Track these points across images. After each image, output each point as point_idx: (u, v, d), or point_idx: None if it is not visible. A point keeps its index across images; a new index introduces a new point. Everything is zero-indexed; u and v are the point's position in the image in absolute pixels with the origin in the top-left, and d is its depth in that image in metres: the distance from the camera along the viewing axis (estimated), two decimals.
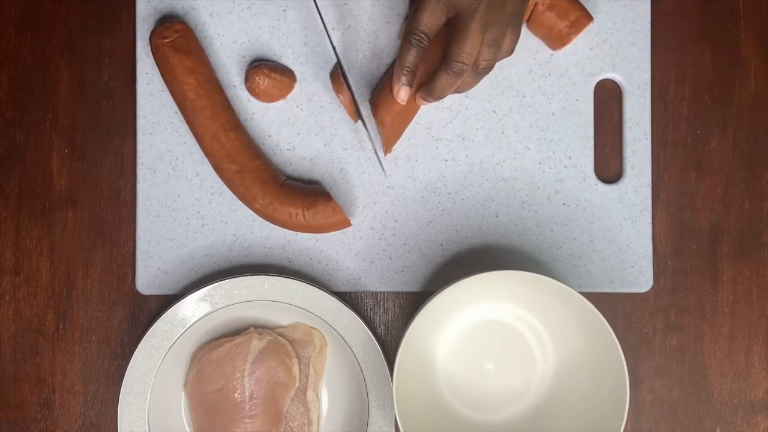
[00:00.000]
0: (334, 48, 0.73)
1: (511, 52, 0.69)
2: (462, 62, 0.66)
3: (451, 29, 0.66)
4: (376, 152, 0.74)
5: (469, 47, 0.65)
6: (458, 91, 0.70)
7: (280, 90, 0.75)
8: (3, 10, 0.77)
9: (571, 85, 0.77)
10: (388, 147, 0.73)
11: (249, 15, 0.76)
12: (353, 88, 0.72)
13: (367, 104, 0.75)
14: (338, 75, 0.73)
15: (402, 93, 0.69)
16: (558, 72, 0.77)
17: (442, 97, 0.70)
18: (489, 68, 0.68)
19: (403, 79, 0.68)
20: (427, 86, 0.69)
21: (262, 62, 0.75)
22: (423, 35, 0.66)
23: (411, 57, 0.67)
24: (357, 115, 0.74)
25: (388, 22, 0.76)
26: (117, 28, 0.77)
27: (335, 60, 0.75)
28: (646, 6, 0.77)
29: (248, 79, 0.74)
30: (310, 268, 0.77)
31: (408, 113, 0.73)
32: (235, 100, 0.76)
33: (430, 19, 0.65)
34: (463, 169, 0.77)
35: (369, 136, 0.74)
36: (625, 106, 0.77)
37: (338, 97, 0.75)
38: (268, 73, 0.74)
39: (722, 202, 0.78)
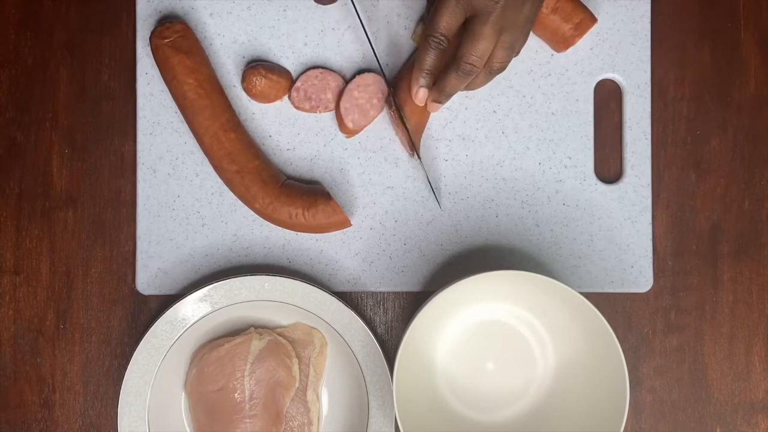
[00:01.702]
0: (384, 76, 0.73)
1: (519, 52, 0.69)
2: (471, 64, 0.66)
3: (466, 29, 0.66)
4: (431, 186, 0.75)
5: (481, 50, 0.65)
6: (470, 88, 0.70)
7: (276, 91, 0.75)
8: (3, 10, 0.77)
9: (571, 85, 0.77)
10: (416, 146, 0.74)
11: (249, 15, 0.76)
12: (408, 125, 0.73)
13: (421, 142, 0.75)
14: (394, 112, 0.74)
15: (421, 94, 0.70)
16: (558, 72, 0.77)
17: (452, 95, 0.70)
18: (502, 69, 0.68)
19: (422, 81, 0.69)
20: (437, 84, 0.69)
21: (259, 63, 0.75)
22: (442, 37, 0.66)
23: (429, 59, 0.68)
24: (412, 148, 0.74)
25: (388, 22, 0.76)
26: (117, 28, 0.77)
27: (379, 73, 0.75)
28: (646, 6, 0.77)
29: (245, 79, 0.74)
30: (310, 268, 0.77)
31: (425, 113, 0.74)
32: (235, 100, 0.76)
33: (449, 21, 0.65)
34: (463, 169, 0.77)
35: (423, 169, 0.75)
36: (625, 106, 0.77)
37: (395, 131, 0.75)
38: (265, 74, 0.74)
39: (722, 202, 0.78)
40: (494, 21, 0.64)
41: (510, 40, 0.66)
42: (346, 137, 0.76)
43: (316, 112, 0.76)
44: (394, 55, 0.76)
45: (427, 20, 0.68)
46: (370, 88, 0.74)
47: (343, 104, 0.74)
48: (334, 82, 0.75)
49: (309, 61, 0.76)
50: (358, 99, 0.74)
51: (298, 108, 0.76)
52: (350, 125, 0.74)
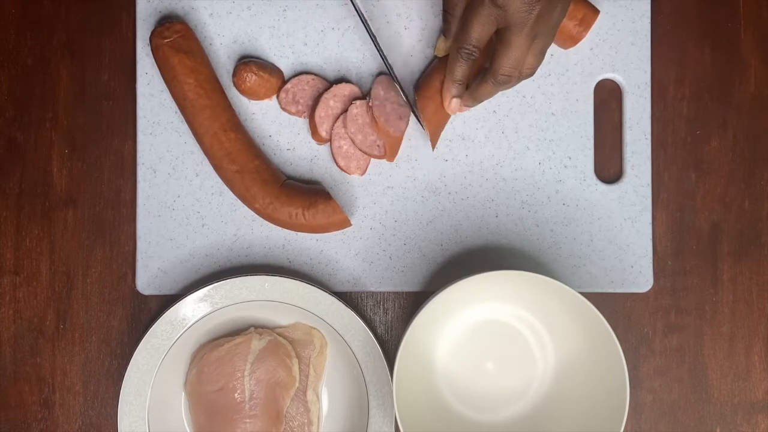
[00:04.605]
0: (382, 55, 0.73)
1: (545, 55, 0.70)
2: (508, 75, 0.67)
3: (499, 39, 0.66)
4: (422, 125, 0.74)
5: (516, 60, 0.66)
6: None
7: (266, 89, 0.75)
8: (3, 10, 0.77)
9: (571, 85, 0.77)
10: (433, 144, 0.74)
11: (249, 15, 0.76)
12: (425, 127, 0.73)
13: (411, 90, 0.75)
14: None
15: (453, 105, 0.71)
16: (558, 72, 0.77)
17: (484, 101, 0.71)
18: (532, 74, 0.68)
19: (454, 91, 0.70)
20: (470, 92, 0.70)
21: (252, 59, 0.75)
22: (474, 49, 0.67)
23: (461, 70, 0.68)
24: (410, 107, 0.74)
25: (388, 22, 0.76)
26: (117, 28, 0.77)
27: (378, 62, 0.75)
28: (646, 6, 0.77)
29: (236, 74, 0.74)
30: (310, 268, 0.77)
31: (446, 114, 0.74)
32: (235, 100, 0.76)
33: (482, 33, 0.66)
34: (463, 169, 0.77)
35: (415, 111, 0.74)
36: (625, 106, 0.77)
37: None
38: (256, 71, 0.74)
39: (722, 202, 0.78)
40: (528, 31, 0.64)
41: (541, 46, 0.67)
42: (317, 144, 0.76)
43: (301, 117, 0.76)
44: (393, 54, 0.76)
45: (457, 31, 0.68)
46: (346, 99, 0.74)
47: (318, 113, 0.74)
48: (323, 90, 0.75)
49: (309, 62, 0.76)
50: (333, 108, 0.74)
51: (284, 109, 0.76)
52: (323, 134, 0.74)
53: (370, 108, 0.73)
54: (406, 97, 0.74)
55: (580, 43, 0.76)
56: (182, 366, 0.76)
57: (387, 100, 0.74)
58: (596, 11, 0.74)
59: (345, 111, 0.74)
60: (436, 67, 0.74)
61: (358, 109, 0.74)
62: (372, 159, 0.76)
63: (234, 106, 0.75)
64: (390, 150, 0.74)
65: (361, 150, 0.74)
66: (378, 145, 0.74)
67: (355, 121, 0.74)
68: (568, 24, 0.74)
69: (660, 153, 0.78)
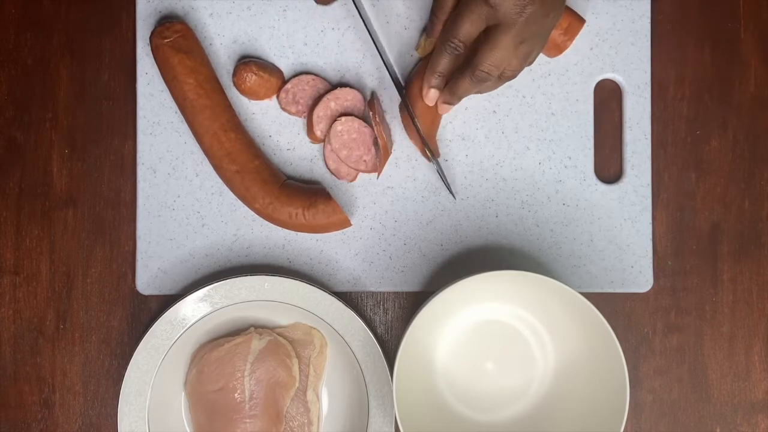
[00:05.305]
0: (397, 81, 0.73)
1: (533, 62, 0.70)
2: (487, 72, 0.66)
3: (485, 36, 0.66)
4: (446, 182, 0.75)
5: (497, 59, 0.66)
6: (478, 92, 0.71)
7: (266, 89, 0.75)
8: (3, 10, 0.77)
9: (571, 85, 0.77)
10: (431, 147, 0.74)
11: (249, 15, 0.76)
12: (419, 127, 0.73)
13: (435, 142, 0.76)
14: (406, 115, 0.74)
15: (431, 95, 0.70)
16: (558, 72, 0.77)
17: (463, 98, 0.71)
18: (514, 77, 0.68)
19: (434, 82, 0.70)
20: (449, 86, 0.70)
21: (252, 59, 0.75)
22: (460, 43, 0.66)
23: (444, 63, 0.68)
24: (425, 152, 0.74)
25: (388, 22, 0.76)
26: (117, 28, 0.77)
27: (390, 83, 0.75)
28: (646, 6, 0.77)
29: (236, 74, 0.74)
30: (310, 268, 0.77)
31: (436, 114, 0.74)
32: (235, 100, 0.76)
33: (470, 29, 0.66)
34: (463, 169, 0.77)
35: (440, 167, 0.75)
36: (625, 106, 0.77)
37: (408, 135, 0.75)
38: (256, 71, 0.74)
39: (722, 202, 0.78)
40: (515, 33, 0.64)
41: (527, 50, 0.66)
42: (311, 143, 0.76)
43: (301, 117, 0.76)
44: (393, 54, 0.76)
45: (446, 24, 0.68)
46: (347, 104, 0.74)
47: (317, 111, 0.74)
48: (324, 91, 0.75)
49: (309, 62, 0.76)
50: (333, 111, 0.74)
51: (284, 109, 0.76)
52: (318, 134, 0.74)
53: (378, 124, 0.72)
54: (405, 102, 0.73)
55: (571, 48, 0.76)
56: (182, 366, 0.76)
57: (385, 118, 0.75)
58: (582, 20, 0.74)
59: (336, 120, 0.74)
60: (420, 69, 0.74)
61: (342, 125, 0.74)
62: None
63: (234, 106, 0.75)
64: (382, 166, 0.74)
65: (346, 164, 0.74)
66: (365, 161, 0.74)
67: (340, 137, 0.74)
68: (553, 33, 0.74)
69: (660, 153, 0.78)
